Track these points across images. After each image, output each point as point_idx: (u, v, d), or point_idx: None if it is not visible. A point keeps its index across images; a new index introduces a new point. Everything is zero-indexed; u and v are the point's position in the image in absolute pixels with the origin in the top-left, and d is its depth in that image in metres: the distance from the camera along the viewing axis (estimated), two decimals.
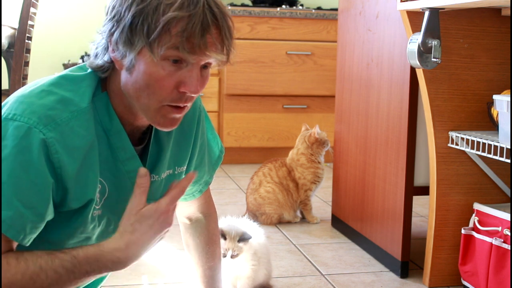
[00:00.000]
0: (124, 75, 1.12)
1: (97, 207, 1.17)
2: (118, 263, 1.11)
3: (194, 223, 1.54)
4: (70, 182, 1.09)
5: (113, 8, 1.10)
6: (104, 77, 1.17)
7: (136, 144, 1.23)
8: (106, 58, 1.13)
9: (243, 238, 1.84)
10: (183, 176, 1.38)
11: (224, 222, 1.88)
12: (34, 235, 1.08)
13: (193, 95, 1.11)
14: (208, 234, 1.55)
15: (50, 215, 1.09)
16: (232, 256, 1.83)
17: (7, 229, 1.03)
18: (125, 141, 1.18)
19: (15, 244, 1.07)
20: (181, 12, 1.04)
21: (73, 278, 1.08)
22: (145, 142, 1.25)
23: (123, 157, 1.19)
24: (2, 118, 1.05)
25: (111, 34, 1.10)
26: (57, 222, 1.13)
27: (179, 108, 1.13)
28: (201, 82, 1.13)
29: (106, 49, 1.13)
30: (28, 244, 1.07)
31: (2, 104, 1.12)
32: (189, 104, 1.15)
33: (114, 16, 1.09)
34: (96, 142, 1.13)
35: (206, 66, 1.13)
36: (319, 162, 2.82)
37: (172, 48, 1.05)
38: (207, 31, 1.06)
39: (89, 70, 1.17)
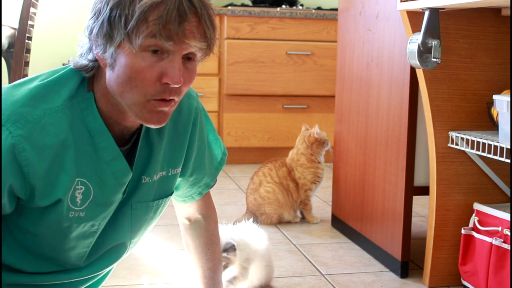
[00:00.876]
0: (108, 73, 1.11)
1: (77, 209, 1.16)
2: None
3: (194, 224, 1.54)
4: (38, 180, 1.08)
5: (94, 6, 1.10)
6: (90, 77, 1.16)
7: (124, 145, 1.21)
8: (90, 57, 1.13)
9: (225, 248, 1.81)
10: (178, 178, 1.37)
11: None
12: None
13: (176, 86, 1.09)
14: (208, 235, 1.55)
15: (3, 209, 1.09)
16: (224, 267, 1.81)
17: None
18: (109, 141, 1.16)
19: None
20: (161, 8, 1.03)
21: None
22: (132, 142, 1.23)
23: (107, 157, 1.17)
24: None
25: (91, 31, 1.09)
26: (31, 216, 1.13)
27: (165, 101, 1.11)
28: (187, 75, 1.11)
29: (90, 48, 1.12)
30: None
31: None
32: (176, 98, 1.12)
33: (95, 14, 1.09)
34: (72, 141, 1.11)
35: (190, 58, 1.11)
36: (319, 162, 2.82)
37: (149, 36, 1.04)
38: (184, 18, 1.05)
39: (68, 68, 1.16)
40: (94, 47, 1.11)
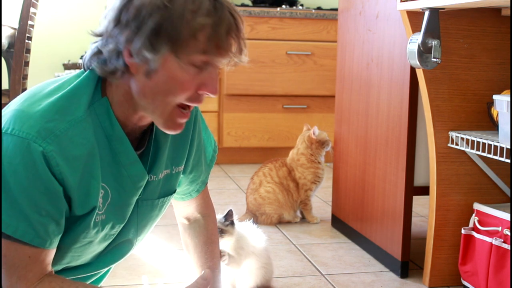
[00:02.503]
0: (141, 79, 1.11)
1: (100, 213, 1.18)
2: None
3: (193, 224, 1.55)
4: (73, 192, 1.10)
5: (124, 13, 1.08)
6: (103, 80, 1.16)
7: (135, 146, 1.23)
8: (120, 63, 1.12)
9: (225, 215, 1.82)
10: (181, 176, 1.39)
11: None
12: (57, 238, 1.11)
13: (212, 95, 1.14)
14: (207, 234, 1.55)
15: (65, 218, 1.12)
16: (221, 234, 1.80)
17: (32, 238, 1.07)
18: (127, 146, 1.18)
19: (45, 252, 1.10)
20: (208, 19, 1.06)
21: None
22: (144, 143, 1.25)
23: (125, 161, 1.19)
24: (1, 132, 1.06)
25: (128, 41, 1.08)
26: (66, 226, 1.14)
27: (188, 112, 1.15)
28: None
29: (118, 54, 1.11)
30: (54, 248, 1.11)
31: (4, 110, 1.13)
32: (197, 104, 1.16)
33: (128, 23, 1.08)
34: (96, 148, 1.13)
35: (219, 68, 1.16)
36: (319, 162, 2.82)
37: (199, 53, 1.08)
38: (230, 34, 1.10)
39: (86, 74, 1.16)
40: (127, 54, 1.10)
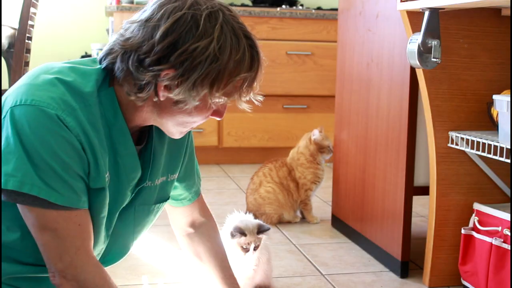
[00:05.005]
0: (166, 105, 1.16)
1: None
2: None
3: (199, 228, 1.54)
4: (91, 163, 1.12)
5: (173, 53, 1.09)
6: (111, 72, 1.17)
7: (134, 141, 1.24)
8: (150, 90, 1.13)
9: (262, 229, 1.85)
10: (174, 184, 1.42)
11: (234, 219, 1.88)
12: (87, 199, 1.13)
13: (218, 119, 1.27)
14: (216, 235, 1.56)
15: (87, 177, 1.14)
16: (255, 248, 1.83)
17: (76, 202, 1.10)
18: (127, 137, 1.19)
19: (85, 213, 1.12)
20: (249, 73, 1.16)
21: None
22: (143, 143, 1.26)
23: (122, 151, 1.19)
24: (22, 104, 1.06)
25: (170, 79, 1.10)
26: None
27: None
28: None
29: (153, 84, 1.12)
30: (87, 207, 1.13)
31: (9, 91, 1.13)
32: None
33: (176, 65, 1.09)
34: (102, 132, 1.15)
35: None
36: (318, 163, 2.81)
37: (229, 95, 1.18)
38: (258, 82, 1.24)
39: (99, 66, 1.18)
40: (162, 87, 1.12)
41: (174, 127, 1.21)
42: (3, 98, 1.13)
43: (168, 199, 1.41)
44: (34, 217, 1.08)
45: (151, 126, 1.26)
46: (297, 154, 2.83)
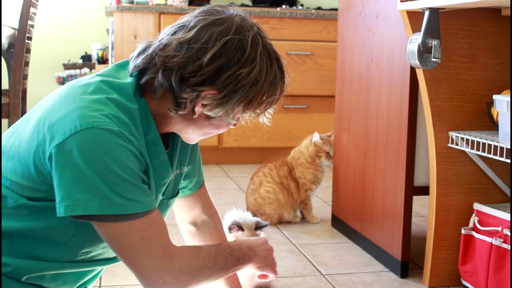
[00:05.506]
0: (198, 119, 1.21)
1: None
2: (252, 258, 1.34)
3: (202, 227, 1.55)
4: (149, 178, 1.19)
5: (219, 76, 1.15)
6: (141, 82, 1.21)
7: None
8: (189, 107, 1.18)
9: (259, 225, 1.86)
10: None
11: (233, 215, 1.89)
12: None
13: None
14: (218, 234, 1.57)
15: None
16: None
17: (153, 204, 1.16)
18: (159, 145, 1.22)
19: (153, 215, 1.15)
20: (278, 95, 1.26)
21: (231, 263, 1.27)
22: (168, 146, 1.30)
23: (155, 159, 1.22)
24: (82, 129, 1.08)
25: (210, 98, 1.16)
26: None
27: None
28: None
29: (191, 101, 1.17)
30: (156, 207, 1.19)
31: (49, 119, 1.13)
32: None
33: (218, 87, 1.15)
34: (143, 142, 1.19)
35: None
36: (318, 165, 2.81)
37: (257, 112, 1.25)
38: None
39: (130, 78, 1.21)
40: (200, 104, 1.17)
41: (197, 137, 1.27)
42: (43, 126, 1.13)
43: (178, 193, 1.44)
44: (121, 233, 1.10)
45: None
46: (298, 153, 2.84)
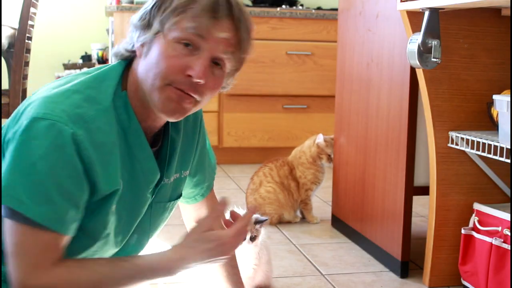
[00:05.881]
0: (141, 62, 1.16)
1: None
2: (168, 272, 1.23)
3: None
4: (98, 176, 1.11)
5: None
6: (125, 75, 1.20)
7: (150, 143, 1.24)
8: (129, 47, 1.19)
9: (259, 220, 1.84)
10: (186, 180, 1.42)
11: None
12: (75, 226, 1.11)
13: (198, 80, 1.13)
14: None
15: (84, 204, 1.12)
16: (251, 238, 1.82)
17: (52, 223, 1.06)
18: (143, 140, 1.20)
19: (62, 238, 1.09)
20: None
21: (132, 283, 1.17)
22: (158, 144, 1.27)
23: (140, 155, 1.20)
24: (32, 118, 1.07)
25: (135, 20, 1.17)
26: (87, 213, 1.15)
27: (184, 95, 1.15)
28: (211, 79, 1.15)
29: (132, 39, 1.19)
30: (72, 235, 1.11)
31: (24, 106, 1.13)
32: (197, 97, 1.16)
33: (144, 6, 1.17)
34: (117, 138, 1.16)
35: (218, 64, 1.16)
36: (319, 165, 2.81)
37: (182, 29, 1.11)
38: (219, 18, 1.12)
39: (112, 66, 1.20)
40: (134, 37, 1.17)
41: (158, 94, 1.16)
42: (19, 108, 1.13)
43: (180, 196, 1.42)
44: (9, 230, 1.07)
45: (166, 127, 1.27)
46: (299, 153, 2.84)
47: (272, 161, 2.85)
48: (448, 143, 1.97)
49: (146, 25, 1.14)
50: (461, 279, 1.97)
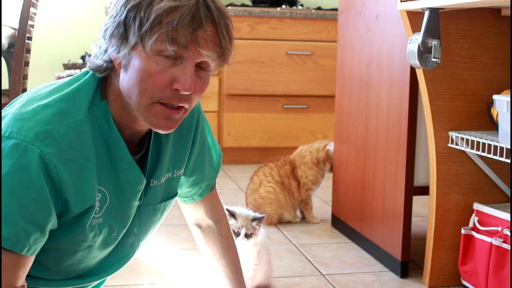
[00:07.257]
0: (122, 74, 1.11)
1: (96, 216, 1.16)
2: None
3: (206, 230, 1.53)
4: (70, 194, 1.08)
5: (113, 7, 1.09)
6: (104, 82, 1.16)
7: (135, 151, 1.21)
8: (105, 57, 1.12)
9: (256, 218, 1.83)
10: (181, 179, 1.38)
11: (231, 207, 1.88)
12: (39, 246, 1.07)
13: (186, 93, 1.09)
14: (222, 240, 1.53)
15: (53, 226, 1.09)
16: (246, 236, 1.81)
17: (12, 244, 1.02)
18: (124, 151, 1.17)
19: (24, 259, 1.05)
20: (173, 3, 1.03)
21: None
22: (144, 148, 1.23)
23: (122, 166, 1.18)
24: (1, 136, 1.04)
25: (107, 31, 1.09)
26: (58, 231, 1.12)
27: (173, 109, 1.11)
28: (198, 83, 1.11)
29: (106, 49, 1.12)
30: (34, 255, 1.07)
31: (4, 114, 1.10)
32: (186, 105, 1.12)
33: (112, 14, 1.09)
34: (93, 152, 1.12)
35: (203, 68, 1.11)
36: (321, 169, 2.82)
37: (162, 41, 1.04)
38: (199, 25, 1.05)
39: (87, 77, 1.15)
40: (109, 47, 1.10)
41: (145, 112, 1.11)
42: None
43: (175, 195, 1.38)
44: None
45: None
46: (305, 152, 2.85)
47: (272, 161, 2.85)
48: (448, 143, 1.97)
49: (121, 37, 1.07)
50: (461, 279, 1.98)
